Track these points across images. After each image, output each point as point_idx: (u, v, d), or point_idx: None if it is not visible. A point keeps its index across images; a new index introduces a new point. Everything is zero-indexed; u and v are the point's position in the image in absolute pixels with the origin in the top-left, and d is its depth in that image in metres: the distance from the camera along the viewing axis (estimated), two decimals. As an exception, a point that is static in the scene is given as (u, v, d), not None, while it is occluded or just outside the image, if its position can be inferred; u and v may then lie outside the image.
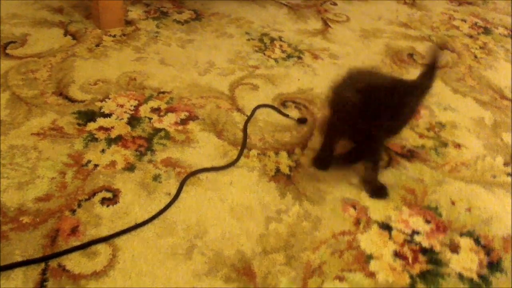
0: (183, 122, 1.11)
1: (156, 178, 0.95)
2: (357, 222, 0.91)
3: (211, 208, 0.91)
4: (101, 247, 0.81)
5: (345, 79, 0.95)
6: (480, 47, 1.59)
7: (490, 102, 1.31)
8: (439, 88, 1.34)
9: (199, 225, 0.87)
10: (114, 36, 1.41)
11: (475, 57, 1.53)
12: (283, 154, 1.05)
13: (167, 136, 1.07)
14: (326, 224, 0.90)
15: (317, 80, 1.32)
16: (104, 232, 0.83)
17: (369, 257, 0.84)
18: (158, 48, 1.39)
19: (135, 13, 1.56)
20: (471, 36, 1.66)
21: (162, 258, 0.80)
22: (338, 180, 1.00)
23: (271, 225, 0.88)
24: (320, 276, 0.80)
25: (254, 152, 1.05)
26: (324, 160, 1.03)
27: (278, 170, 1.01)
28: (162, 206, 0.89)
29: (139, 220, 0.85)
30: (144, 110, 1.13)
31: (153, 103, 1.16)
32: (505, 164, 1.10)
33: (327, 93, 1.00)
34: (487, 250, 0.89)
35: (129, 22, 1.49)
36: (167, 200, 0.90)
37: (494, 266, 0.86)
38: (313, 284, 0.79)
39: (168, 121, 1.11)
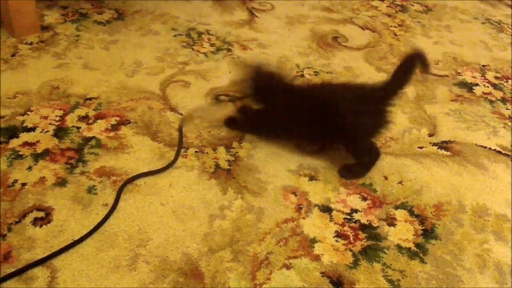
0: (115, 127, 1.07)
1: (90, 190, 0.92)
2: (298, 208, 0.93)
3: (152, 213, 0.89)
4: (38, 271, 0.77)
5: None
6: (399, 25, 1.67)
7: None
8: (363, 68, 1.39)
9: (141, 233, 0.85)
10: (31, 43, 1.33)
11: (395, 34, 1.60)
12: (221, 149, 1.05)
13: (99, 144, 1.03)
14: (270, 214, 0.91)
15: (248, 71, 1.33)
16: (40, 254, 0.79)
17: (313, 241, 0.87)
18: (80, 52, 1.32)
19: (51, 17, 1.47)
20: (389, 15, 1.73)
21: (105, 273, 0.77)
22: (277, 169, 1.02)
23: (215, 223, 0.88)
24: (268, 267, 0.81)
25: (191, 150, 1.04)
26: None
27: (217, 166, 1.00)
28: (100, 218, 0.85)
29: (76, 236, 0.82)
30: (71, 120, 1.08)
31: (80, 111, 1.11)
32: (430, 134, 1.17)
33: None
34: (421, 219, 0.94)
35: (45, 27, 1.41)
36: (105, 211, 0.87)
37: (428, 233, 0.91)
38: (262, 276, 0.80)
39: (98, 129, 1.07)
